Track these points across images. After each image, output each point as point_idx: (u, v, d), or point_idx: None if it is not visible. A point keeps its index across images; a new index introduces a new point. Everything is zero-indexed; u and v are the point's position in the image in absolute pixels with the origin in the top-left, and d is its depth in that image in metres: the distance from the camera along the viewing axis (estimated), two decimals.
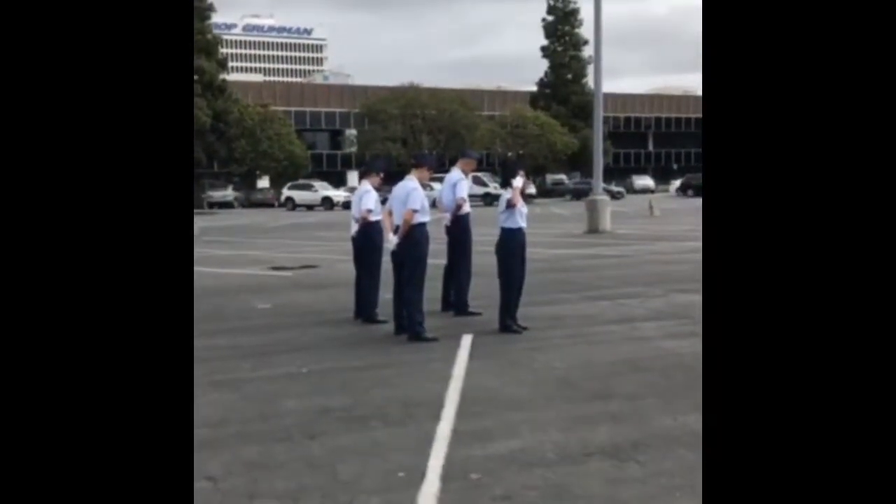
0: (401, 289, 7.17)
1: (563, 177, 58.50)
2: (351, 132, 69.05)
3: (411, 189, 7.05)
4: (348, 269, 10.65)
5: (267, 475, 3.89)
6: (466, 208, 8.32)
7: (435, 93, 62.14)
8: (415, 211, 6.97)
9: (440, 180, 9.26)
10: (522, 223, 7.35)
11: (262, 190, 57.26)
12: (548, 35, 66.81)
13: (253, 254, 16.69)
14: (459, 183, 8.26)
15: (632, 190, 61.25)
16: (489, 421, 4.69)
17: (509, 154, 58.89)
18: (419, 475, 3.83)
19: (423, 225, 7.09)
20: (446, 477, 3.81)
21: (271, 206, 51.88)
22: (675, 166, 76.46)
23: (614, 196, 43.80)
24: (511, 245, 7.34)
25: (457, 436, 4.41)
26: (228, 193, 53.76)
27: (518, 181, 7.30)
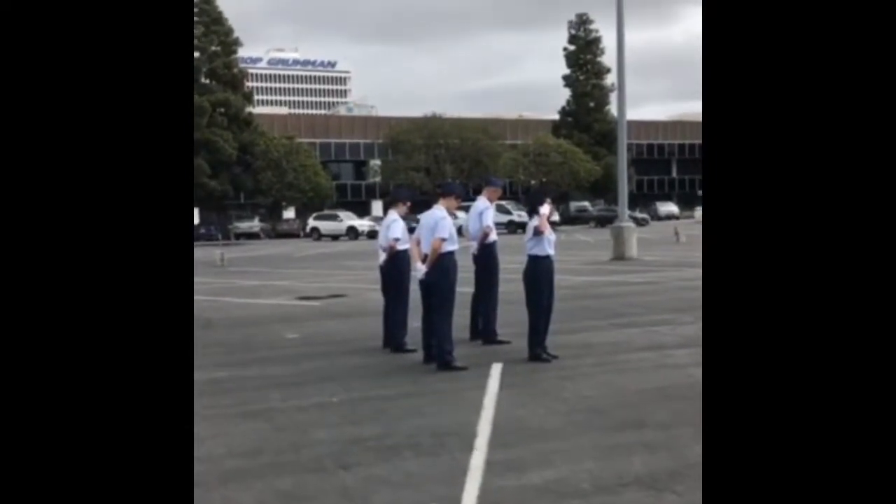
0: (430, 317, 7.17)
1: (586, 204, 58.45)
2: (375, 162, 69.58)
3: (439, 218, 7.08)
4: (376, 298, 10.66)
5: None
6: (493, 236, 8.34)
7: (458, 122, 62.53)
8: (443, 239, 6.99)
9: (466, 209, 9.27)
10: (550, 250, 7.34)
11: (287, 220, 57.78)
12: (570, 64, 67.11)
13: (280, 283, 16.79)
14: (486, 211, 8.28)
15: (656, 216, 61.01)
16: (522, 451, 4.65)
17: (532, 182, 58.97)
18: None
19: (451, 253, 7.11)
20: None
21: (297, 236, 52.34)
22: (699, 192, 75.98)
23: (639, 223, 43.65)
24: (539, 272, 7.32)
25: (490, 466, 4.37)
26: (255, 224, 54.33)
27: (545, 208, 7.30)
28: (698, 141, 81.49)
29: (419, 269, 7.16)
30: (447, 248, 7.04)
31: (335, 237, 46.36)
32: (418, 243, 7.32)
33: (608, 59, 66.60)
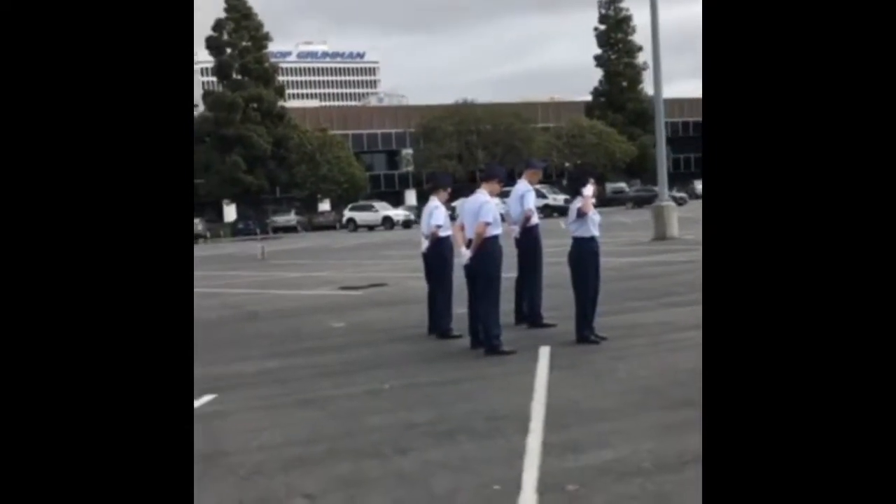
0: (476, 303, 7.16)
1: (623, 185, 57.87)
2: (407, 152, 69.66)
3: (483, 202, 7.05)
4: (417, 285, 10.69)
5: (363, 491, 3.91)
6: (535, 220, 8.28)
7: (489, 108, 62.29)
8: (487, 224, 6.96)
9: (505, 195, 9.18)
10: (595, 232, 7.26)
11: (323, 213, 58.23)
12: (601, 44, 66.42)
13: (321, 275, 16.92)
14: (527, 194, 8.22)
15: (694, 195, 60.12)
16: (578, 432, 4.62)
17: (567, 165, 58.52)
18: (514, 488, 3.80)
19: (496, 238, 7.07)
20: (542, 489, 3.76)
21: (333, 227, 52.71)
22: None
23: (678, 202, 43.06)
24: (584, 254, 7.25)
25: (547, 448, 4.35)
26: (291, 218, 54.85)
27: (588, 189, 7.23)
28: None
29: (464, 255, 7.14)
30: (491, 232, 7.01)
31: (371, 227, 46.57)
32: (462, 228, 7.30)
33: (639, 37, 65.71)
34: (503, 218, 7.60)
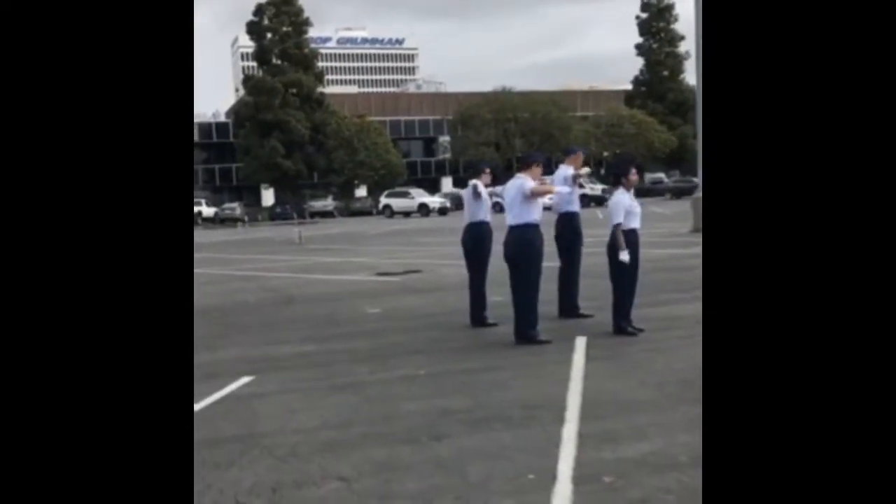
0: (513, 291, 7.13)
1: (661, 175, 57.19)
2: (444, 139, 69.61)
3: (522, 180, 6.99)
4: (451, 273, 10.71)
5: (398, 476, 3.93)
6: (576, 206, 8.23)
7: (527, 96, 61.87)
8: (538, 187, 6.91)
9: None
10: (635, 224, 7.19)
11: (360, 199, 58.49)
12: (642, 32, 65.54)
13: (358, 260, 17.02)
14: (566, 175, 8.17)
15: None
16: (615, 423, 4.60)
17: (605, 154, 57.95)
18: (550, 477, 3.79)
19: (536, 225, 7.03)
20: (578, 479, 3.75)
21: (369, 213, 52.94)
22: None
23: None
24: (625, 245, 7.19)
25: (583, 438, 4.34)
26: (328, 203, 55.19)
27: (634, 177, 7.18)
28: None
29: (622, 255, 6.99)
30: (533, 218, 6.95)
31: (407, 214, 46.68)
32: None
33: (681, 26, 64.72)
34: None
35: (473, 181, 7.99)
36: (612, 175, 7.52)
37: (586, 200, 40.00)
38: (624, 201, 7.09)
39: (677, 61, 65.09)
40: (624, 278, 7.12)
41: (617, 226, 7.07)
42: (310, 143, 57.02)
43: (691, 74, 62.56)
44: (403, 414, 5.02)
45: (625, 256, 7.05)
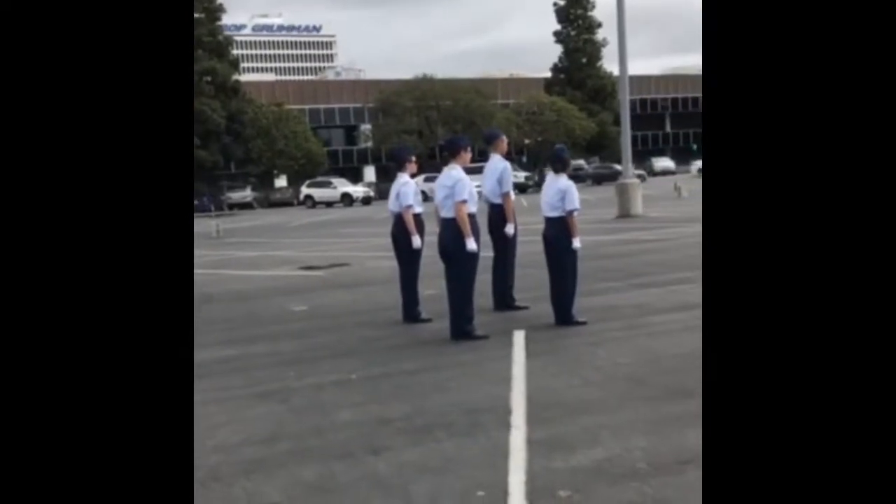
0: (448, 284, 6.78)
1: (581, 162, 57.88)
2: (366, 127, 68.76)
3: (457, 179, 6.64)
4: (379, 266, 10.30)
5: (332, 499, 3.53)
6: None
7: (449, 83, 61.58)
8: (464, 202, 6.55)
9: (477, 171, 8.74)
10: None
11: (280, 189, 57.18)
12: (560, 20, 66.13)
13: (280, 254, 16.38)
14: (504, 174, 7.83)
15: (652, 172, 60.52)
16: (564, 427, 4.30)
17: (527, 141, 58.33)
18: (501, 493, 3.46)
19: (472, 216, 6.68)
20: (532, 495, 3.43)
21: (290, 204, 51.80)
22: (693, 147, 75.40)
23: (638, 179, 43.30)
24: (564, 233, 6.99)
25: (532, 446, 4.02)
26: (247, 194, 53.75)
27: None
28: (692, 95, 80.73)
29: (470, 245, 6.60)
30: (469, 210, 6.61)
31: (329, 204, 45.85)
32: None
33: (599, 13, 65.59)
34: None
35: (400, 174, 7.65)
36: (558, 162, 7.26)
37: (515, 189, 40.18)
38: (574, 187, 6.91)
39: (595, 48, 65.95)
40: (568, 268, 6.89)
41: (572, 212, 6.88)
42: (226, 132, 55.29)
43: (609, 61, 63.56)
44: (336, 425, 4.61)
45: (578, 244, 6.86)
